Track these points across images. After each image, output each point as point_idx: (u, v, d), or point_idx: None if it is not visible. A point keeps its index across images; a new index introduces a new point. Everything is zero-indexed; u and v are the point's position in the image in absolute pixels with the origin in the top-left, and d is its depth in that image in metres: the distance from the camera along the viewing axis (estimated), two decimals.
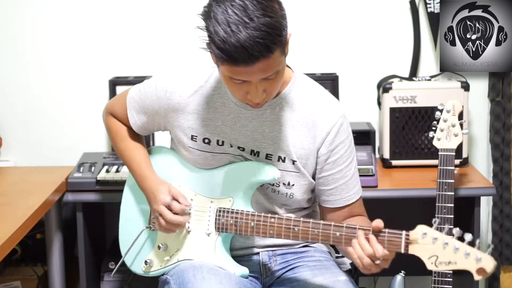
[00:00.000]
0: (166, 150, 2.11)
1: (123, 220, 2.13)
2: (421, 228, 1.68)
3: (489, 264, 1.61)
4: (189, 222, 1.97)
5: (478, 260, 1.61)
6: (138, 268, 2.06)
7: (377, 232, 1.73)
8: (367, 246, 1.72)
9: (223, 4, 1.67)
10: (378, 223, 1.73)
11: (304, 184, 1.97)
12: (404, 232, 1.70)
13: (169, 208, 1.93)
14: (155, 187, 1.98)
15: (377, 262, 1.73)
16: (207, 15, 1.70)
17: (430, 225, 1.69)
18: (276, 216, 1.87)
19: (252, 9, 1.64)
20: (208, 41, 1.72)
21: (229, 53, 1.65)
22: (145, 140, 2.74)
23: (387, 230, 1.72)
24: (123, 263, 2.09)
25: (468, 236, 1.63)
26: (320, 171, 1.96)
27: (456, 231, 1.65)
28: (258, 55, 1.65)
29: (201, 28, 1.72)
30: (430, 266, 1.67)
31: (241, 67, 1.68)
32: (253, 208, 1.94)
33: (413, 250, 1.69)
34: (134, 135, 2.11)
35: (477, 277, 1.62)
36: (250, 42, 1.63)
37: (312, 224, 1.81)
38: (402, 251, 1.70)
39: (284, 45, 1.73)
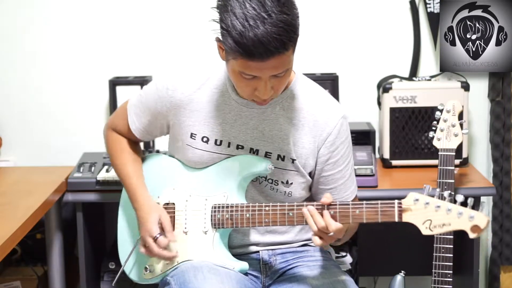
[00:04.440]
0: (160, 156, 2.11)
1: (121, 227, 2.12)
2: (412, 195, 1.71)
3: (482, 220, 1.62)
4: (186, 223, 1.97)
5: (471, 218, 1.62)
6: (138, 276, 2.05)
7: (370, 203, 1.76)
8: (320, 220, 1.77)
9: None
10: (326, 198, 1.79)
11: (302, 183, 1.98)
12: (396, 201, 1.73)
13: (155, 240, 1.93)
14: (144, 212, 1.98)
15: (330, 234, 1.77)
16: (224, 8, 1.70)
17: None
18: (271, 204, 1.88)
19: (270, 5, 1.66)
20: (222, 34, 1.72)
21: (246, 47, 1.66)
22: (146, 146, 2.76)
23: (379, 201, 1.75)
24: (123, 272, 2.08)
25: (459, 197, 1.65)
26: (320, 171, 1.97)
27: (448, 193, 1.66)
28: (274, 51, 1.67)
29: (216, 21, 1.73)
30: (425, 231, 1.68)
31: (255, 61, 1.69)
32: None
33: (406, 217, 1.71)
34: (132, 148, 2.11)
35: (472, 235, 1.63)
36: (268, 37, 1.65)
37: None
38: (396, 219, 1.73)
39: (296, 44, 1.74)
